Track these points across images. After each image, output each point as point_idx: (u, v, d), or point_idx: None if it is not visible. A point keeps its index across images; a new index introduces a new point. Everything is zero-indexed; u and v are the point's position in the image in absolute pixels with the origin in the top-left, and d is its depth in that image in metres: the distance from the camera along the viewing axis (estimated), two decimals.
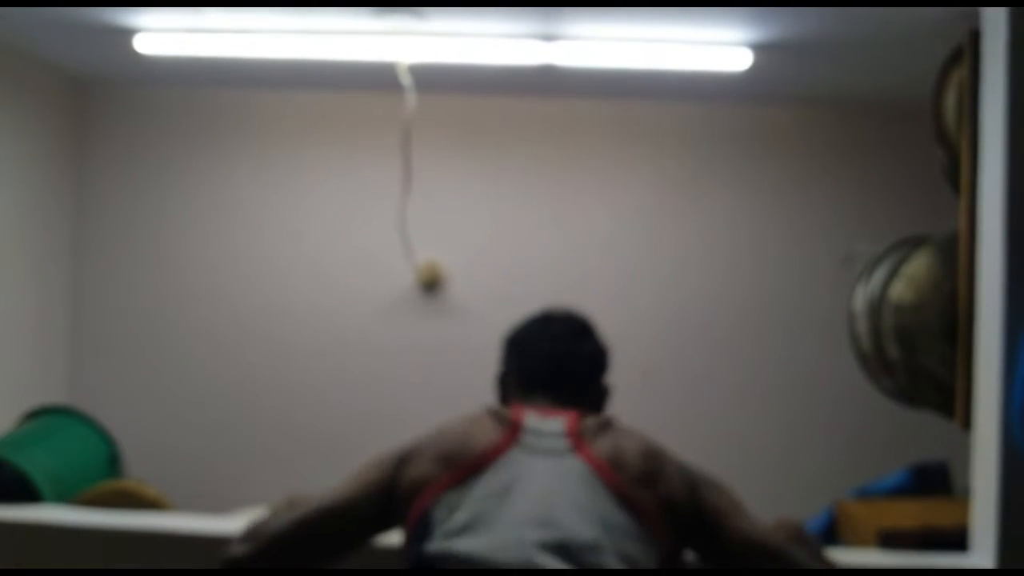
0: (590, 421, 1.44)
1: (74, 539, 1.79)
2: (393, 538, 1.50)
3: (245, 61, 2.83)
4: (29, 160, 3.07)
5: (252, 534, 1.39)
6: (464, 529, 1.28)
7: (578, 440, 1.38)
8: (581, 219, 3.27)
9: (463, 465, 1.34)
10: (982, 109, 1.78)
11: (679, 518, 1.36)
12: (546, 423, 1.42)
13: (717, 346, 3.23)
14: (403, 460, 1.41)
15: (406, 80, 2.69)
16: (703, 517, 1.38)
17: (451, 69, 2.83)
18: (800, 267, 3.22)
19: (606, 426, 1.43)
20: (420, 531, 1.32)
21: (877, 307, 2.18)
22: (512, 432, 1.39)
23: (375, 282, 3.28)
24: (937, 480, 2.21)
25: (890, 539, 1.81)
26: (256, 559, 1.36)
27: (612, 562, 1.25)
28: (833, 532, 2.14)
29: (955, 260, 1.92)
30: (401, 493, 1.38)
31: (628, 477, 1.34)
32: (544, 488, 1.31)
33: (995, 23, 1.72)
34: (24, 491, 2.16)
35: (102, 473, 2.59)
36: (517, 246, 3.28)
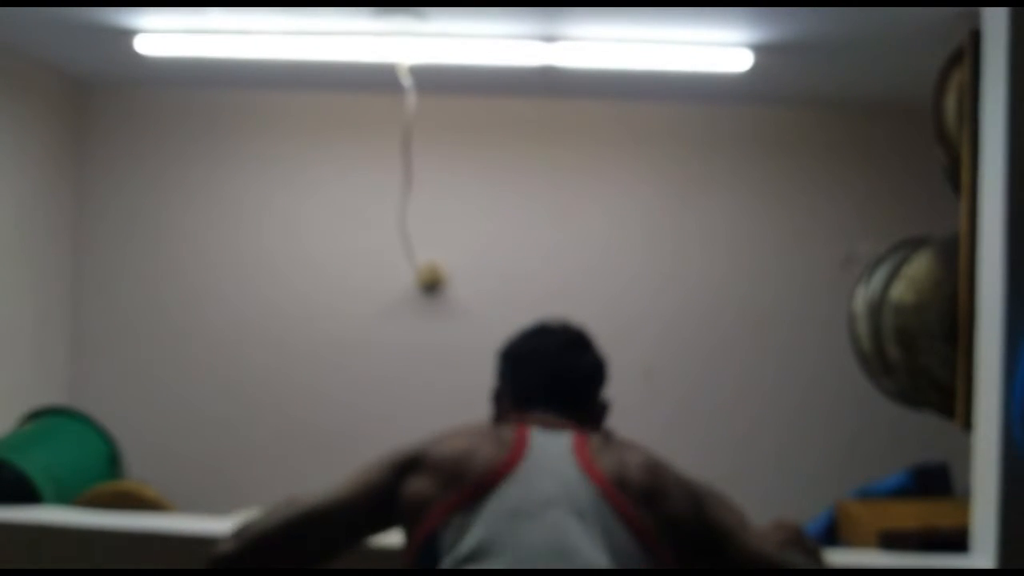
0: (595, 437, 1.41)
1: (74, 539, 1.79)
2: (393, 538, 1.50)
3: (245, 62, 2.83)
4: (29, 161, 3.07)
5: (240, 532, 1.37)
6: (476, 555, 1.25)
7: (585, 457, 1.35)
8: (581, 220, 3.27)
9: (471, 484, 1.31)
10: (982, 109, 1.78)
11: (683, 536, 1.33)
12: (552, 439, 1.39)
13: (718, 347, 3.23)
14: (404, 467, 1.37)
15: (407, 81, 2.69)
16: (709, 534, 1.35)
17: (451, 70, 2.83)
18: (800, 268, 3.22)
19: (608, 441, 1.41)
20: (428, 552, 1.29)
21: (878, 308, 2.18)
22: (518, 449, 1.36)
23: (376, 283, 3.28)
24: (937, 481, 2.21)
25: (890, 540, 1.81)
26: (242, 557, 1.34)
27: None
28: (833, 533, 2.14)
29: (956, 261, 1.92)
30: (404, 504, 1.35)
31: (632, 497, 1.31)
32: (556, 513, 1.27)
33: (995, 23, 1.72)
34: (24, 492, 2.16)
35: (102, 473, 2.60)
36: (517, 247, 3.28)
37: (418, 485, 1.35)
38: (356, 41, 2.59)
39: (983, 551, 1.65)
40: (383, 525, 1.40)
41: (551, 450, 1.37)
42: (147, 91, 3.32)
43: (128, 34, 2.63)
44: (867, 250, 2.39)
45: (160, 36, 2.63)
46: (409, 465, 1.38)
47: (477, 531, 1.26)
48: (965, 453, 1.79)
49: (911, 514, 1.95)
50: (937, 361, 2.01)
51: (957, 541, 1.75)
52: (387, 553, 1.57)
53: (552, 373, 1.53)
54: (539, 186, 3.28)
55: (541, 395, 1.51)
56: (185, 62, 2.87)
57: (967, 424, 1.81)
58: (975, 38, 1.83)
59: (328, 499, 1.38)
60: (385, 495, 1.37)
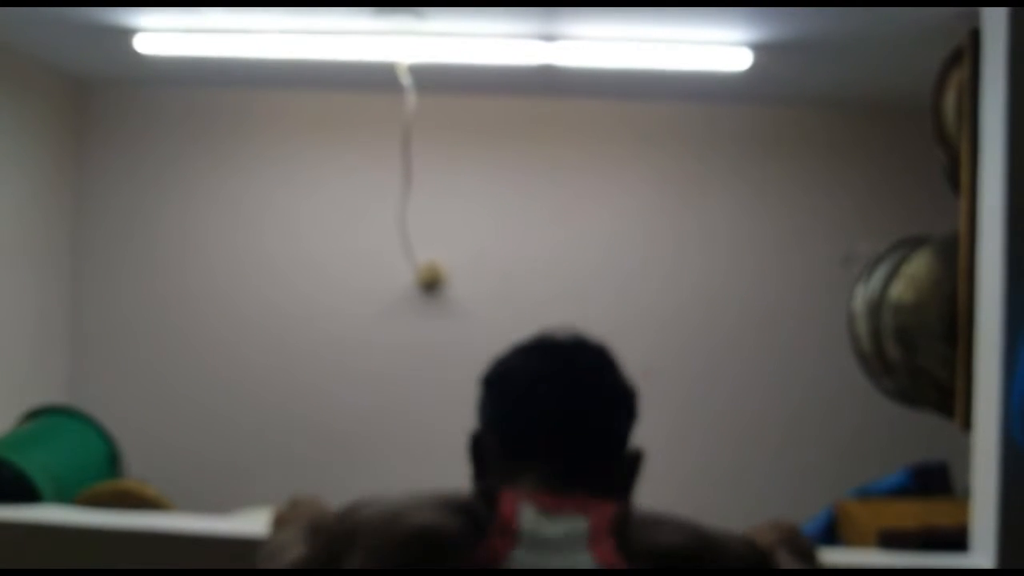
0: (625, 525, 0.99)
1: (74, 539, 1.79)
2: None
3: (245, 61, 2.83)
4: (29, 160, 3.07)
5: None
6: None
7: (615, 563, 0.94)
8: (581, 219, 3.27)
9: None
10: (982, 109, 1.78)
11: None
12: (554, 524, 0.97)
13: (717, 346, 3.23)
14: (335, 543, 1.04)
15: (406, 80, 2.69)
16: None
17: (451, 69, 2.83)
18: (800, 267, 3.22)
19: (642, 526, 1.00)
20: None
21: (877, 307, 2.18)
22: (500, 540, 0.95)
23: (375, 282, 3.28)
24: (937, 480, 2.21)
25: (890, 539, 1.80)
26: None
27: None
28: (833, 532, 2.14)
29: (955, 260, 1.92)
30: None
31: None
32: None
33: (995, 23, 1.71)
34: (24, 491, 2.16)
35: (102, 473, 2.60)
36: (517, 246, 3.28)
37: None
38: (356, 40, 2.59)
39: (983, 550, 1.65)
40: None
41: (552, 541, 0.96)
42: (147, 90, 3.32)
43: (128, 33, 2.63)
44: (867, 249, 2.39)
45: (160, 35, 2.63)
46: (341, 544, 1.03)
47: None
48: (965, 453, 1.79)
49: (910, 513, 1.95)
50: (937, 361, 2.01)
51: (956, 540, 1.74)
52: None
53: (559, 413, 1.09)
54: (539, 185, 3.28)
55: (541, 446, 1.08)
56: (185, 61, 2.87)
57: (967, 423, 1.81)
58: (975, 38, 1.83)
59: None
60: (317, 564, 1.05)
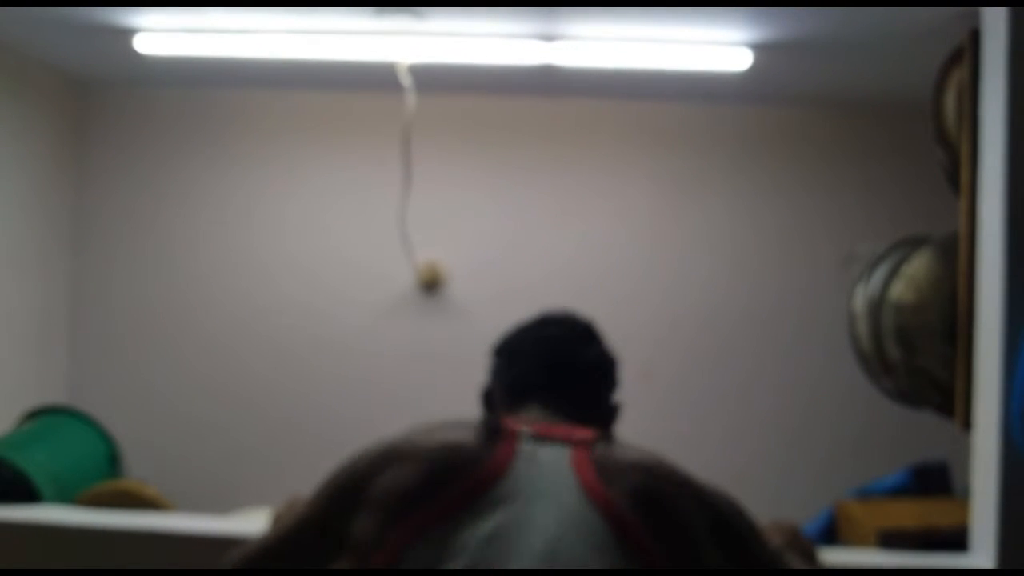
0: (598, 448, 1.16)
1: (74, 539, 1.79)
2: None
3: (245, 61, 2.83)
4: (29, 160, 3.07)
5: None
6: None
7: (589, 474, 1.11)
8: (581, 219, 3.27)
9: (447, 498, 1.08)
10: (982, 109, 1.78)
11: (698, 554, 1.11)
12: (545, 447, 1.15)
13: (718, 345, 3.23)
14: (344, 496, 1.17)
15: (406, 80, 2.69)
16: (727, 552, 1.15)
17: (451, 69, 2.83)
18: (801, 267, 3.22)
19: (613, 451, 1.16)
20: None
21: (877, 307, 2.18)
22: (504, 454, 1.13)
23: (375, 282, 3.28)
24: (937, 480, 2.21)
25: (890, 539, 1.81)
26: None
27: None
28: (833, 532, 2.14)
29: (955, 260, 1.92)
30: (355, 536, 1.13)
31: (645, 520, 1.07)
32: (551, 549, 1.03)
33: (995, 23, 1.71)
34: (24, 491, 2.16)
35: (102, 473, 2.60)
36: (517, 246, 3.28)
37: (365, 524, 1.12)
38: (356, 40, 2.59)
39: (982, 550, 1.65)
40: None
41: (544, 461, 1.14)
42: (147, 90, 3.32)
43: (127, 33, 2.63)
44: (867, 249, 2.39)
45: (159, 35, 2.63)
46: (351, 492, 1.17)
47: (459, 556, 1.04)
48: (965, 452, 1.79)
49: (911, 513, 1.95)
50: (937, 361, 2.01)
51: (956, 540, 1.75)
52: None
53: (552, 363, 1.33)
54: (539, 185, 3.28)
55: (538, 389, 1.31)
56: (185, 61, 2.87)
57: (967, 424, 1.81)
58: (975, 38, 1.83)
59: (271, 541, 1.23)
60: (325, 530, 1.18)
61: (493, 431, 1.16)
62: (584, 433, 1.19)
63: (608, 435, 1.21)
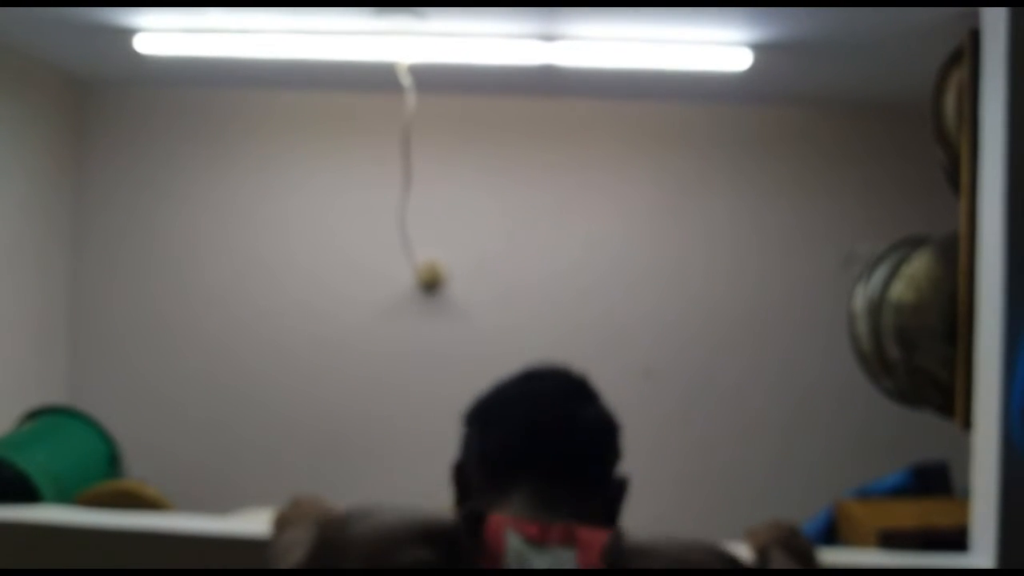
0: (614, 550, 0.94)
1: (74, 539, 1.79)
2: None
3: (245, 61, 2.83)
4: (29, 160, 3.07)
5: None
6: None
7: None
8: (581, 219, 3.27)
9: None
10: (982, 109, 1.78)
11: None
12: (541, 556, 0.92)
13: (719, 345, 3.23)
14: (329, 551, 0.99)
15: (406, 80, 2.69)
16: None
17: (451, 69, 2.83)
18: (801, 267, 3.22)
19: (632, 550, 0.95)
20: None
21: (877, 307, 2.18)
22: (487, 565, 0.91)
23: (375, 282, 3.28)
24: (937, 480, 2.21)
25: (890, 539, 1.80)
26: None
27: None
28: (833, 532, 2.14)
29: (955, 260, 1.92)
30: None
31: None
32: None
33: (995, 23, 1.71)
34: (24, 491, 2.16)
35: (102, 473, 2.60)
36: (517, 246, 3.28)
37: None
38: (355, 40, 2.59)
39: (982, 550, 1.65)
40: None
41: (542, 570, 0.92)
42: (147, 90, 3.32)
43: (127, 33, 2.63)
44: (867, 249, 2.39)
45: (160, 35, 2.63)
46: (331, 550, 0.98)
47: None
48: (965, 452, 1.79)
49: (910, 513, 1.95)
50: (937, 361, 2.01)
51: (956, 540, 1.74)
52: None
53: (541, 428, 1.07)
54: (539, 185, 3.29)
55: (524, 465, 1.05)
56: (185, 61, 2.87)
57: (967, 424, 1.81)
58: (975, 38, 1.83)
59: None
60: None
61: (470, 535, 0.92)
62: (592, 535, 0.97)
63: (619, 531, 0.98)
